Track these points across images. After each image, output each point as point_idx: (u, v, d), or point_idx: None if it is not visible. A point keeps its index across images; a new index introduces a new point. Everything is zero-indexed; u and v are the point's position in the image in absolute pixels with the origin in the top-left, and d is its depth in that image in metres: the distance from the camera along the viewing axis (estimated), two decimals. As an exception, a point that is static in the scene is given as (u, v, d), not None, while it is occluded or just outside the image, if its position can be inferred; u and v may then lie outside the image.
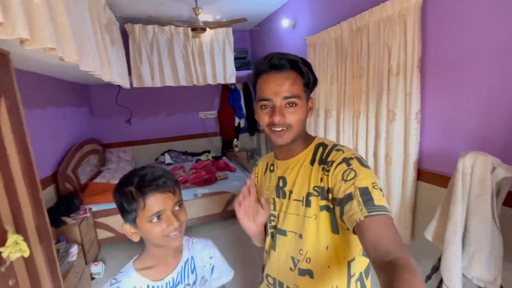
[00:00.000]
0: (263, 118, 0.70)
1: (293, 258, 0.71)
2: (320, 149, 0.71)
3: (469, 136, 1.43)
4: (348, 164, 0.61)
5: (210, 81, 3.54)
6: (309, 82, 0.69)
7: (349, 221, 0.57)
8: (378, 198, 0.56)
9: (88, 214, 2.30)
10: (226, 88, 4.64)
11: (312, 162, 0.70)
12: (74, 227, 2.07)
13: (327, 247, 0.66)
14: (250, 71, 4.33)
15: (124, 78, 2.74)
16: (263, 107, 0.69)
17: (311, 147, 0.73)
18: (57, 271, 1.32)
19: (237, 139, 4.71)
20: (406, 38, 1.62)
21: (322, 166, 0.66)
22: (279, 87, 0.65)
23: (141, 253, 0.71)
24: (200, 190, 2.92)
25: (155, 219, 0.62)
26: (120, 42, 2.56)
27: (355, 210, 0.55)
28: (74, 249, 1.84)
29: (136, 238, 0.66)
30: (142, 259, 0.70)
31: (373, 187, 0.57)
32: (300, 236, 0.68)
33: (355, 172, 0.59)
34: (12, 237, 0.86)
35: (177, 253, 0.73)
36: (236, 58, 3.85)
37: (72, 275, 1.68)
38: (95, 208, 2.53)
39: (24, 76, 2.11)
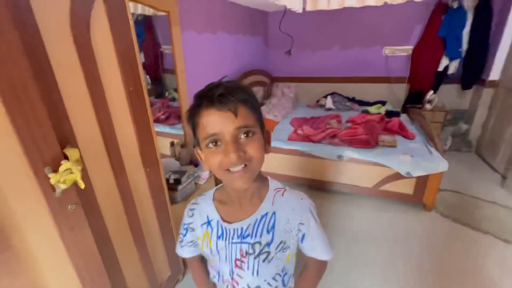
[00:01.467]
0: None
1: None
2: None
3: None
4: None
5: (413, -6, 2.27)
6: None
7: None
8: None
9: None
10: (439, 10, 2.97)
11: None
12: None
13: None
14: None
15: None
16: None
17: None
18: (163, 198, 1.34)
19: (435, 92, 3.17)
20: None
21: None
22: None
23: (222, 184, 0.62)
24: (348, 152, 2.22)
25: (211, 145, 0.49)
26: None
27: None
28: (205, 174, 1.93)
29: (206, 167, 0.54)
30: (220, 190, 0.62)
31: None
32: None
33: None
34: (66, 164, 0.77)
35: (256, 200, 0.58)
36: None
37: (198, 194, 1.78)
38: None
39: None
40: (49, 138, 0.76)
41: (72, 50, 0.83)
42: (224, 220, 0.58)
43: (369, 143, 2.29)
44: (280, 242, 0.56)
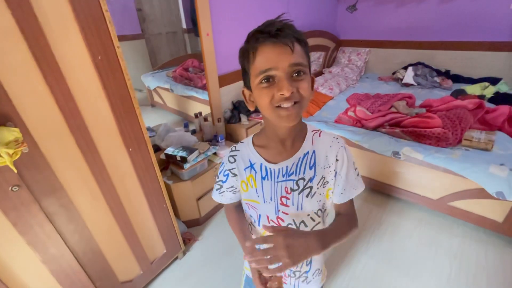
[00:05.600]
0: None
1: None
2: None
3: None
4: None
5: None
6: None
7: None
8: None
9: (263, 120, 2.10)
10: None
11: None
12: (241, 128, 2.01)
13: None
14: None
15: None
16: None
17: None
18: (153, 178, 1.25)
19: None
20: None
21: None
22: None
23: (261, 130, 0.65)
24: (408, 150, 1.64)
25: (263, 82, 0.49)
26: None
27: None
28: (223, 152, 1.77)
29: (251, 106, 0.58)
30: (260, 136, 0.64)
31: None
32: None
33: None
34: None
35: (297, 141, 0.61)
36: None
37: (211, 174, 1.74)
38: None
39: None
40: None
41: (3, 11, 0.70)
42: (268, 161, 0.60)
43: (445, 140, 1.64)
44: (321, 178, 0.60)
